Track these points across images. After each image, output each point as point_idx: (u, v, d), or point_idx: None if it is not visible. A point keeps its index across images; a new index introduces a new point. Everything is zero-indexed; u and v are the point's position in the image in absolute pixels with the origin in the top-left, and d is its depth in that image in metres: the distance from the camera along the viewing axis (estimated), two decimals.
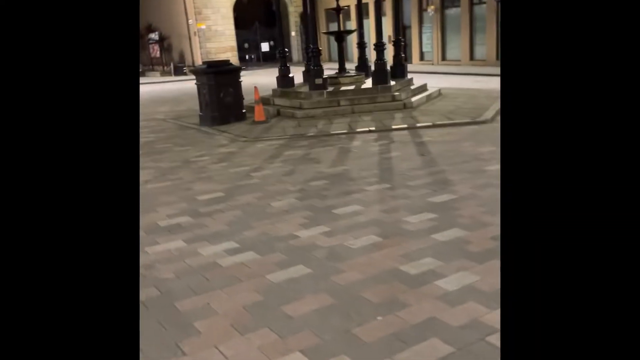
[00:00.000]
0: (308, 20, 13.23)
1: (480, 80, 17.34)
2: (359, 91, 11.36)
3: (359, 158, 7.42)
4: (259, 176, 6.79)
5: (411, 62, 27.14)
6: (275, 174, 6.86)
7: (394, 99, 11.09)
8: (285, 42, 34.11)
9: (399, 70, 12.33)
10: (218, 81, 10.67)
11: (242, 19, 32.86)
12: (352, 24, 30.44)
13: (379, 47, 11.42)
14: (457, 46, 25.04)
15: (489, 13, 23.09)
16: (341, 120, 10.29)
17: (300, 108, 11.07)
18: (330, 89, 11.44)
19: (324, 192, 5.83)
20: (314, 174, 6.72)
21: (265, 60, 33.99)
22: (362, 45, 13.72)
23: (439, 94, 12.44)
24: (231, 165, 7.53)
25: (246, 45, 33.64)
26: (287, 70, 12.47)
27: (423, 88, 12.37)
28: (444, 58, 25.76)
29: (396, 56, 12.50)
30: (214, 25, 30.84)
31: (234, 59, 31.32)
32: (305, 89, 11.91)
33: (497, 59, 23.13)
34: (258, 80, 24.10)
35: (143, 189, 6.50)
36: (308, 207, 5.35)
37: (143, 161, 8.13)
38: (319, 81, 11.29)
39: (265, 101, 12.30)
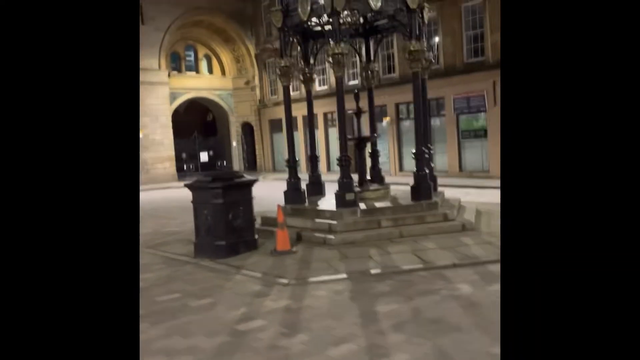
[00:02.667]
0: (339, 122, 10.76)
1: (470, 192, 15.39)
2: (399, 209, 8.72)
3: None
4: None
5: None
6: None
7: (446, 218, 8.53)
8: (227, 152, 31.54)
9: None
10: (227, 199, 7.63)
11: (180, 128, 30.03)
12: (297, 134, 28.58)
13: (420, 155, 9.01)
14: (442, 155, 23.56)
15: (448, 125, 22.01)
16: (397, 247, 7.49)
17: (331, 231, 8.18)
18: (362, 206, 8.71)
19: None
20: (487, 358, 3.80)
21: (205, 170, 30.95)
22: (375, 154, 11.26)
23: (479, 211, 10.06)
24: (320, 340, 4.40)
25: (184, 155, 30.59)
26: (297, 182, 9.66)
27: (460, 203, 9.97)
28: (401, 169, 24.15)
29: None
30: (152, 134, 27.71)
31: (172, 170, 28.08)
32: (326, 205, 9.11)
33: (459, 170, 21.79)
34: None
35: None
36: None
37: (155, 334, 4.79)
38: (350, 197, 8.55)
39: (271, 222, 9.30)
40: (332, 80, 26.35)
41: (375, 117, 11.74)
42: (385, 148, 24.92)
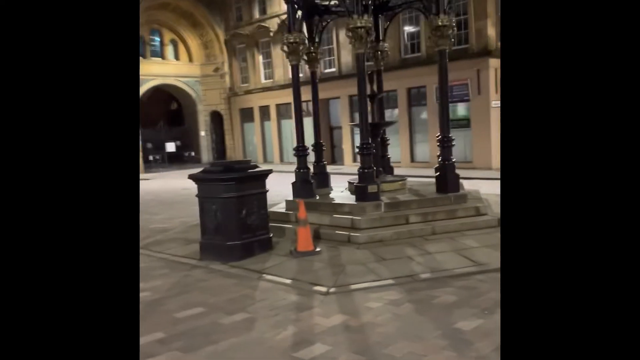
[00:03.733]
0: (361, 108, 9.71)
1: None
2: (426, 202, 7.85)
3: None
4: None
5: (343, 164, 24.49)
6: None
7: (478, 212, 7.72)
8: (195, 142, 30.05)
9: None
10: (240, 192, 6.57)
11: (143, 117, 28.30)
12: (272, 124, 27.45)
13: (446, 142, 8.15)
14: (396, 146, 22.85)
15: (430, 115, 21.37)
16: (435, 246, 6.62)
17: (354, 228, 7.23)
18: (384, 199, 7.79)
19: None
20: None
21: (172, 161, 29.42)
22: (384, 142, 10.32)
23: None
24: None
25: (149, 145, 28.91)
26: (307, 173, 8.64)
27: (480, 195, 9.19)
28: None
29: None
30: None
31: (139, 161, 26.37)
32: (343, 199, 8.15)
33: None
34: (176, 184, 19.42)
35: None
36: None
37: None
38: (373, 189, 7.61)
39: (280, 218, 8.27)
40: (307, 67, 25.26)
41: (384, 102, 10.78)
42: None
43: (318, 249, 6.77)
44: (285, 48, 8.51)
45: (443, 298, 4.90)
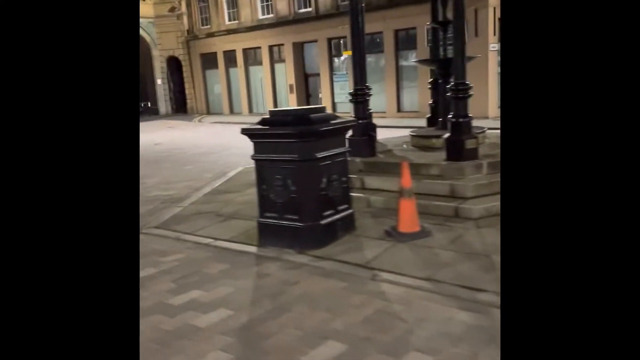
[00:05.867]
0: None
1: None
2: None
3: None
4: None
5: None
6: None
7: None
8: (150, 91, 27.00)
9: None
10: (321, 152, 4.58)
11: None
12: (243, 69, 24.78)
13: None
14: (380, 95, 21.01)
15: (388, 62, 19.62)
16: None
17: (456, 197, 5.44)
18: (481, 161, 5.98)
19: None
20: None
21: None
22: (436, 86, 8.23)
23: None
24: None
25: None
26: (368, 125, 6.63)
27: None
28: None
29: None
30: None
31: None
32: (418, 157, 6.28)
33: (397, 110, 19.69)
34: (143, 138, 16.33)
35: None
36: None
37: None
38: (472, 144, 5.78)
39: None
40: (279, 6, 22.59)
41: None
42: (345, 87, 22.10)
43: (425, 230, 4.92)
44: None
45: None
